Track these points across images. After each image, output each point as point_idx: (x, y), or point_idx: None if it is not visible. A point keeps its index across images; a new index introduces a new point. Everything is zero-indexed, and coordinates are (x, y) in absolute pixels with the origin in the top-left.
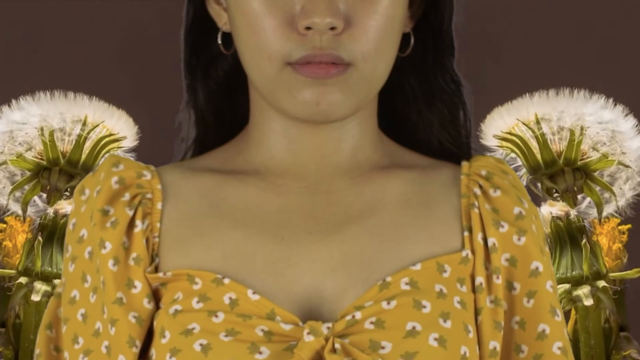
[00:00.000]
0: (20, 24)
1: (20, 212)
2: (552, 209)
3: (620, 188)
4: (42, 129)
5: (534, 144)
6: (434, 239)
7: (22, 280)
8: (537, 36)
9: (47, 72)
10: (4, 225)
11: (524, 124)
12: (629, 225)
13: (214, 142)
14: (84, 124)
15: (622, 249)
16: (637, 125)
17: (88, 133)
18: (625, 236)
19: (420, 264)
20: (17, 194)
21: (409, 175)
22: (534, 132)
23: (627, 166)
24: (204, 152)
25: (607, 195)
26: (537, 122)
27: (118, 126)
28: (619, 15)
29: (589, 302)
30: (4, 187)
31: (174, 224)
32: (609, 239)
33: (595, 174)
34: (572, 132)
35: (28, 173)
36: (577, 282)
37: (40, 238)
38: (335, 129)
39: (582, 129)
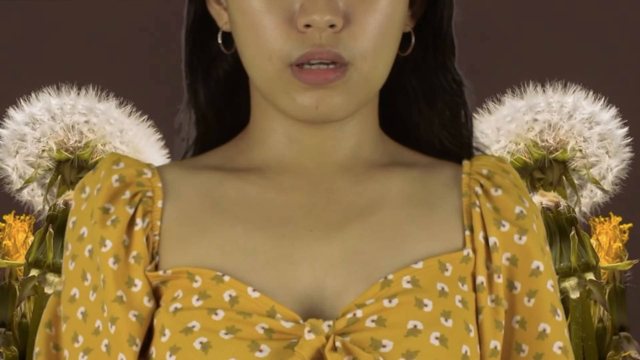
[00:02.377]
0: (33, 21)
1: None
2: (542, 199)
3: (592, 190)
4: (42, 151)
5: (518, 150)
6: (435, 237)
7: (34, 272)
8: (527, 32)
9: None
10: (3, 225)
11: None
12: (630, 224)
13: (215, 141)
14: (97, 143)
15: (623, 248)
16: (627, 134)
17: (100, 146)
18: (626, 235)
19: (422, 262)
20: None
21: (410, 174)
22: (518, 143)
23: (605, 190)
24: (204, 152)
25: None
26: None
27: (144, 145)
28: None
29: (575, 294)
30: (32, 190)
31: (175, 222)
32: (609, 237)
33: (570, 170)
34: (573, 149)
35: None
36: (565, 274)
37: (51, 230)
38: (336, 128)
39: (581, 151)
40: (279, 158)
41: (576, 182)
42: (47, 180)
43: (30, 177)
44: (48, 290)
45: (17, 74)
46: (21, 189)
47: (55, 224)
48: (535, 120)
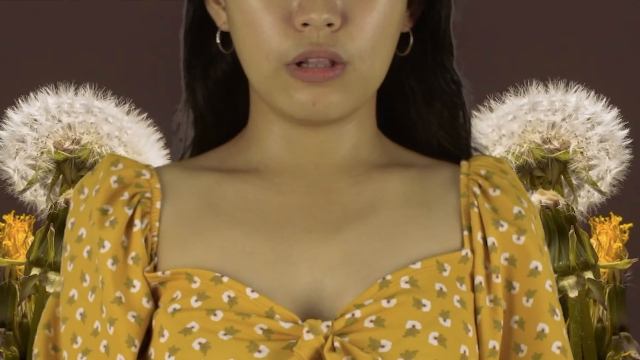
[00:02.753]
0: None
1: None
2: (541, 197)
3: (589, 191)
4: (41, 153)
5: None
6: (434, 237)
7: (35, 271)
8: (528, 31)
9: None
10: (3, 225)
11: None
12: (630, 224)
13: (213, 141)
14: (94, 145)
15: (623, 248)
16: (627, 135)
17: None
18: (626, 235)
19: (420, 262)
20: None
21: (408, 175)
22: (522, 145)
23: (603, 192)
24: (202, 152)
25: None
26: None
27: (142, 143)
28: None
29: (573, 293)
30: (35, 190)
31: (173, 223)
32: (609, 237)
33: (570, 170)
34: (575, 151)
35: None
36: (563, 273)
37: (52, 228)
38: (334, 129)
39: (582, 153)
40: (277, 159)
41: (574, 182)
42: (49, 181)
43: (32, 179)
44: (49, 289)
45: (17, 75)
46: (24, 190)
47: (56, 223)
48: (539, 120)
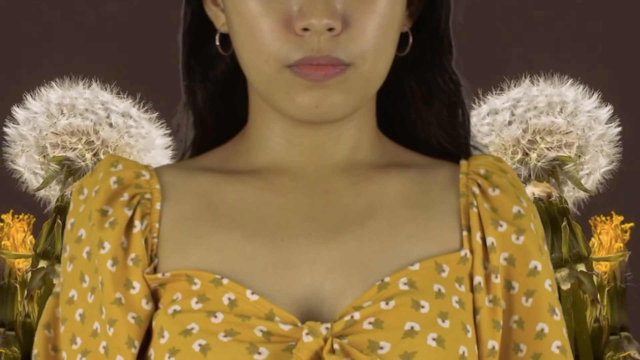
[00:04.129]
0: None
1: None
2: (535, 189)
3: (573, 188)
4: (43, 156)
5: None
6: (433, 238)
7: (43, 263)
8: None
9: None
10: (2, 224)
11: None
12: (631, 224)
13: (213, 142)
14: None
15: (624, 248)
16: (620, 132)
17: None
18: (627, 235)
19: (419, 264)
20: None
21: (407, 175)
22: (529, 161)
23: (587, 191)
24: (202, 153)
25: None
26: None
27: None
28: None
29: (566, 285)
30: (50, 187)
31: (173, 224)
32: (610, 237)
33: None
34: (575, 156)
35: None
36: (556, 265)
37: (59, 221)
38: (334, 129)
39: (579, 156)
40: (277, 160)
41: (560, 177)
42: (62, 176)
43: (45, 178)
44: (56, 281)
45: (20, 73)
46: (39, 189)
47: (63, 215)
48: (547, 128)
